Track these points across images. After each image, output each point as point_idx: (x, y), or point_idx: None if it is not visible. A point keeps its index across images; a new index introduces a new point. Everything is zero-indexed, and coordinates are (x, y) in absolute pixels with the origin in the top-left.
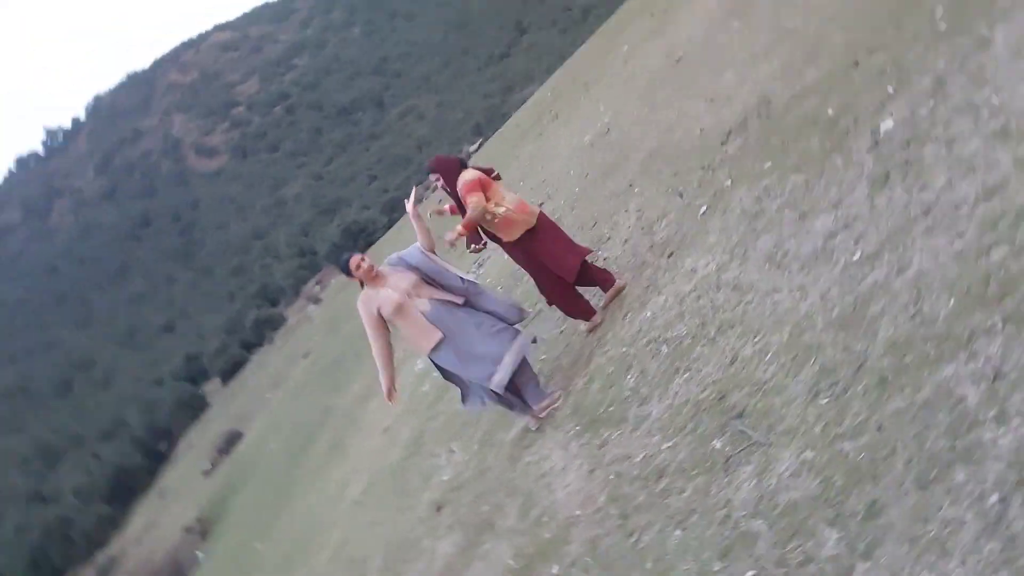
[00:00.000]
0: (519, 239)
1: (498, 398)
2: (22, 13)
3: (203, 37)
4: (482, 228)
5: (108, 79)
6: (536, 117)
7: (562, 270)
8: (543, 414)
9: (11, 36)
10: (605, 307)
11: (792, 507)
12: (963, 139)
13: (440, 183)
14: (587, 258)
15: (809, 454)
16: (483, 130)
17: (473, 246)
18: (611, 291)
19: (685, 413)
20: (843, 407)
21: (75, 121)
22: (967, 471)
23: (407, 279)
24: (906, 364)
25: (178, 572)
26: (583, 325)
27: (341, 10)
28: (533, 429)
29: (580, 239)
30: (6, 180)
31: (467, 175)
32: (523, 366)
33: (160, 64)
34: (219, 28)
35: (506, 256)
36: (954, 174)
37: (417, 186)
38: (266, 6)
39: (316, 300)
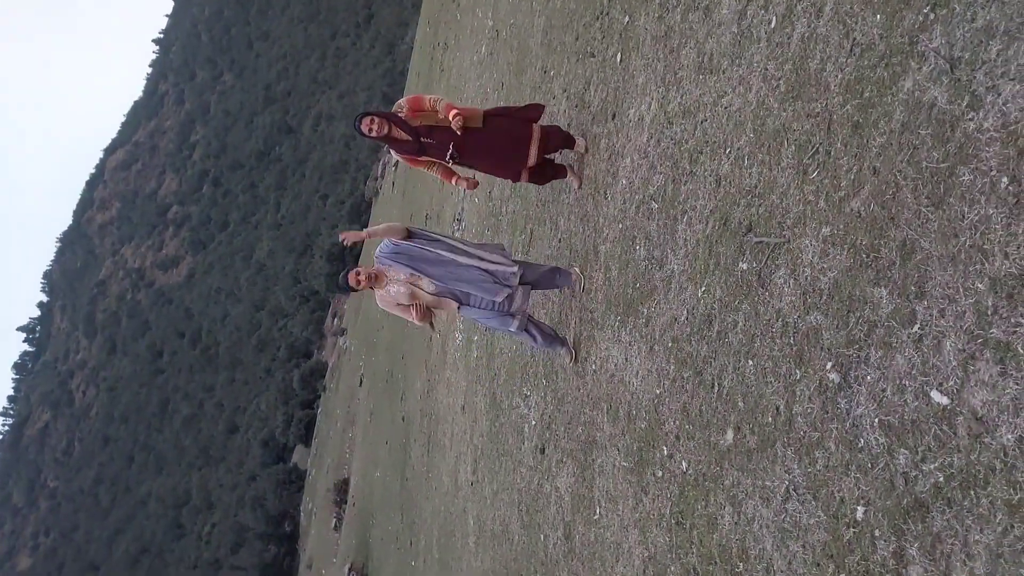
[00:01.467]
0: (475, 135)
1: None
2: None
3: (100, 168)
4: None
5: (44, 254)
6: (429, 56)
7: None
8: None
9: None
10: (579, 179)
11: (835, 286)
12: None
13: (386, 131)
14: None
15: (826, 230)
16: (391, 96)
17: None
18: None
19: (702, 254)
20: (834, 170)
21: (41, 306)
22: (968, 169)
23: (403, 269)
24: (868, 98)
25: None
26: (576, 149)
27: (201, 68)
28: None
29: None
30: (16, 391)
31: (408, 100)
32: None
33: (80, 213)
34: (109, 151)
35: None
36: None
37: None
38: (136, 106)
39: (342, 331)
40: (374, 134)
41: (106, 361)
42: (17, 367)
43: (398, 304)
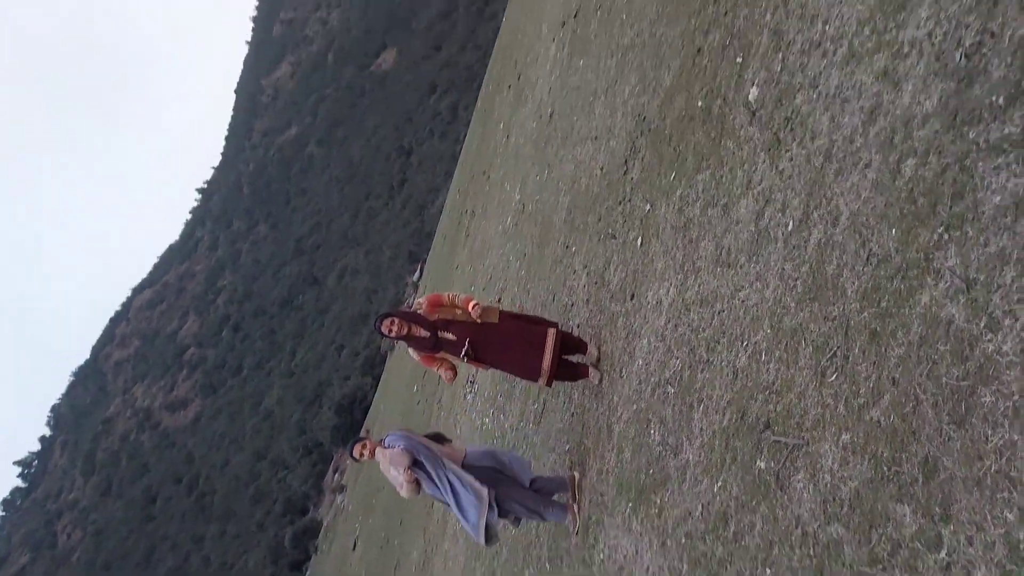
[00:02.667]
0: (491, 332)
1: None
2: None
3: (127, 306)
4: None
5: (56, 388)
6: (456, 222)
7: (535, 372)
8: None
9: None
10: (600, 374)
11: (856, 497)
12: (823, 76)
13: (405, 331)
14: (553, 333)
15: (846, 437)
16: (417, 256)
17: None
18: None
19: (718, 446)
20: (852, 376)
21: (43, 440)
22: (989, 391)
23: (404, 457)
24: (886, 308)
25: None
26: (587, 355)
27: (239, 217)
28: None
29: (547, 315)
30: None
31: (427, 298)
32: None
33: (99, 349)
34: (137, 290)
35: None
36: (833, 112)
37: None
38: (171, 249)
39: (341, 488)
40: (393, 334)
41: (98, 502)
42: (5, 504)
43: (401, 464)
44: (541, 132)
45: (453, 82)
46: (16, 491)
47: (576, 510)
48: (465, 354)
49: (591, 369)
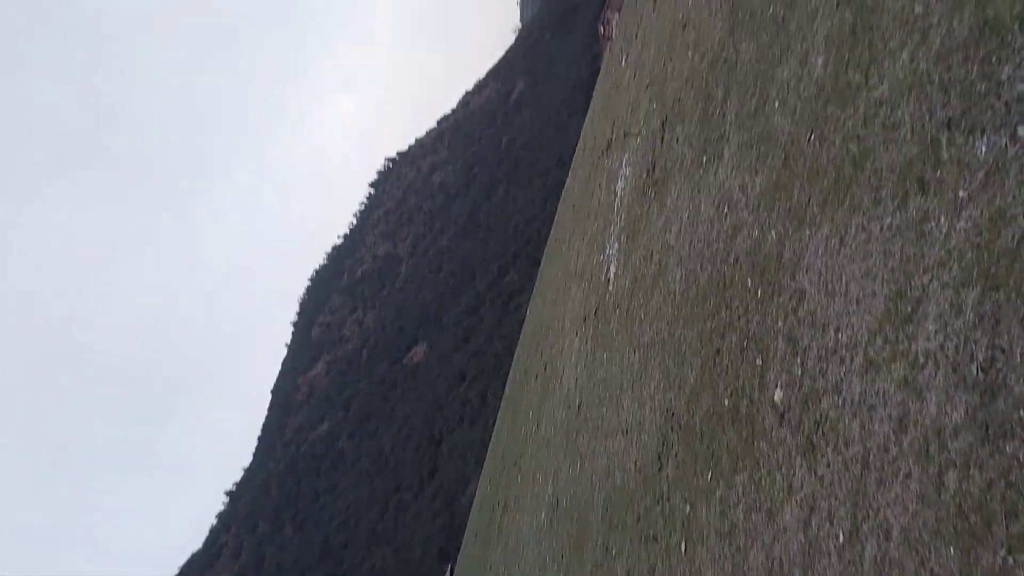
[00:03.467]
0: None
1: None
2: None
3: None
4: None
5: None
6: (488, 516)
7: None
8: None
9: None
10: None
11: None
12: (845, 382)
13: None
14: None
15: None
16: (447, 552)
17: None
18: None
19: None
20: None
21: None
22: None
23: None
24: None
25: None
26: None
27: (264, 520)
28: None
29: None
30: None
31: None
32: None
33: None
34: None
35: None
36: (862, 418)
37: None
38: (193, 557)
39: None
40: None
41: None
42: None
43: None
44: (571, 423)
45: (482, 370)
46: None
47: None
48: None
49: None
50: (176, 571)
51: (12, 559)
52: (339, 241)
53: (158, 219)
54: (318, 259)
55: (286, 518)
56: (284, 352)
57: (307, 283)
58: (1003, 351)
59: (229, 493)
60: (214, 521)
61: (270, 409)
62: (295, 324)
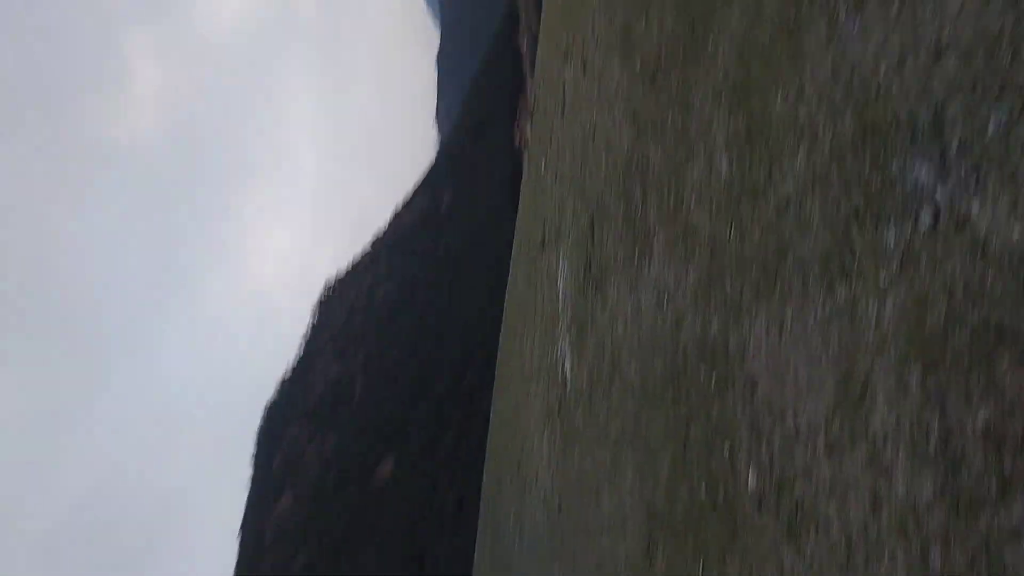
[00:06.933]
0: None
1: None
2: None
3: None
4: None
5: None
6: None
7: None
8: None
9: None
10: None
11: None
12: (813, 466)
13: None
14: None
15: None
16: None
17: None
18: None
19: None
20: None
21: None
22: None
23: None
24: None
25: None
26: None
27: None
28: None
29: None
30: None
31: None
32: None
33: None
34: None
35: None
36: (837, 500)
37: None
38: None
39: None
40: None
41: None
42: None
43: None
44: (555, 524)
45: (454, 477)
46: None
47: None
48: None
49: None
50: None
51: None
52: (289, 373)
53: (96, 381)
54: (268, 393)
55: None
56: (246, 490)
57: (260, 418)
58: (957, 425)
59: None
60: None
61: (241, 548)
62: (254, 459)
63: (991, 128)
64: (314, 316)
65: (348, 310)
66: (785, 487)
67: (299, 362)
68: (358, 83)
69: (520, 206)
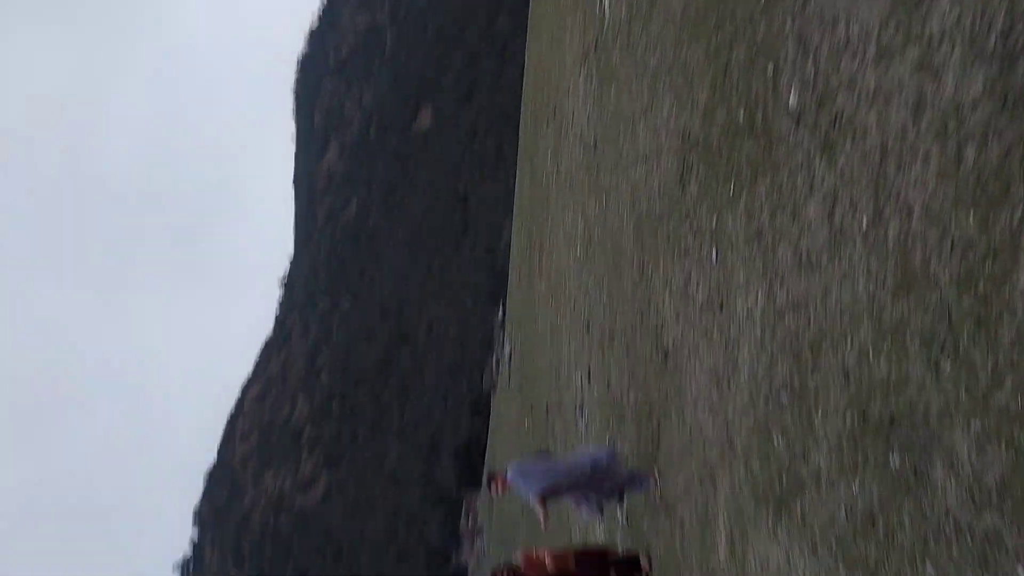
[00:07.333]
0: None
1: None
2: None
3: (239, 404)
4: None
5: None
6: (527, 261)
7: None
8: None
9: None
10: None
11: (1003, 485)
12: (859, 75)
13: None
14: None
15: (976, 424)
16: (497, 294)
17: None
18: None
19: (847, 448)
20: (969, 363)
21: (194, 546)
22: None
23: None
24: (984, 293)
25: None
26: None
27: (321, 299)
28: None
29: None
30: None
31: (522, 558)
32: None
33: (224, 449)
34: (246, 388)
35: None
36: (878, 108)
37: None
38: (267, 344)
39: (479, 531)
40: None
41: None
42: None
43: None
44: (590, 161)
45: (491, 125)
46: None
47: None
48: None
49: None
50: (254, 359)
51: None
52: (316, 24)
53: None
54: (298, 46)
55: (340, 293)
56: (292, 146)
57: (295, 72)
58: (1022, 16)
59: (283, 282)
60: (277, 310)
61: (296, 200)
62: (295, 114)
63: None
64: None
65: None
66: (826, 101)
67: (324, 13)
68: None
69: None
